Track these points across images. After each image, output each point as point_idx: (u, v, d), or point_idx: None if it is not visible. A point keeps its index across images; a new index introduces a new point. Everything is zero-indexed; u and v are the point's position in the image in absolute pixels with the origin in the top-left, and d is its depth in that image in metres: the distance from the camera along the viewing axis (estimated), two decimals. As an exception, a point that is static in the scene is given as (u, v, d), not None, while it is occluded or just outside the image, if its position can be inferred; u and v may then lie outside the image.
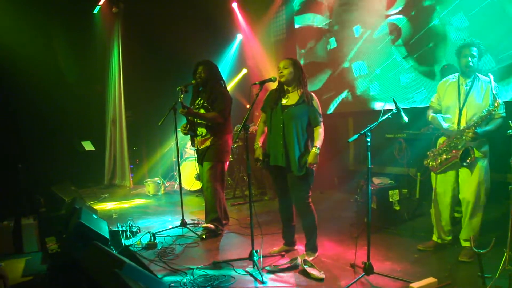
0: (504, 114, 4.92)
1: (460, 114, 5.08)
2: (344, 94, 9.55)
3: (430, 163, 5.33)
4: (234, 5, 11.68)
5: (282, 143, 5.10)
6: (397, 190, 6.42)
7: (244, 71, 11.87)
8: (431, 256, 5.33)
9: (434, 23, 7.62)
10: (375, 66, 8.82)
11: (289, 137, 5.07)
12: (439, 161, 5.23)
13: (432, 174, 5.47)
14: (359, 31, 9.13)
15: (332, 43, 9.81)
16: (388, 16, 8.46)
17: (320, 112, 5.18)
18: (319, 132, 5.08)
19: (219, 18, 11.63)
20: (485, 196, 5.09)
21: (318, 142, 5.02)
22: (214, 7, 11.31)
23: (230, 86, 11.55)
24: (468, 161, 4.92)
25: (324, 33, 10.00)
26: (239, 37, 12.16)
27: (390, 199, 6.37)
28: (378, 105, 8.62)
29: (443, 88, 5.37)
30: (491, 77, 4.92)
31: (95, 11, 11.80)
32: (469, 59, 5.00)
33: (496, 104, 4.78)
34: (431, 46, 7.65)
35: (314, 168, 5.06)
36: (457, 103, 5.14)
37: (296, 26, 10.76)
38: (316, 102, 5.16)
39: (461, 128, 5.01)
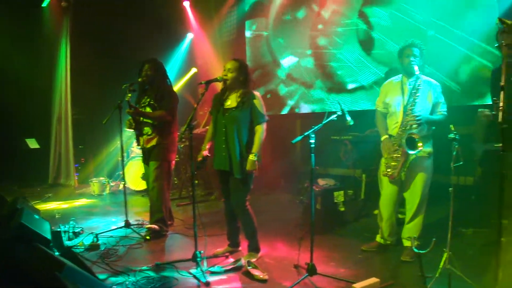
0: (445, 113, 5.09)
1: (404, 113, 5.15)
2: (294, 97, 9.61)
3: (390, 172, 5.28)
4: (186, 4, 11.58)
5: (225, 147, 5.08)
6: (342, 192, 6.48)
7: (194, 70, 11.79)
8: (375, 257, 5.40)
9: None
10: (334, 71, 8.89)
11: (231, 140, 5.05)
12: (399, 166, 5.22)
13: (379, 175, 5.54)
14: (307, 34, 9.20)
15: (281, 45, 9.84)
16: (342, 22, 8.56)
17: (263, 112, 5.14)
18: (259, 134, 5.05)
19: (170, 17, 11.53)
20: (427, 195, 5.24)
21: (256, 148, 5.00)
22: (165, 5, 11.21)
23: (179, 85, 11.52)
24: (418, 147, 4.91)
25: (276, 35, 10.02)
26: (190, 36, 12.08)
27: (335, 200, 6.42)
28: (327, 107, 8.71)
29: (386, 89, 5.47)
30: (433, 81, 5.12)
31: (44, 4, 11.45)
32: (411, 58, 5.11)
33: (441, 103, 5.04)
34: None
35: (254, 173, 5.06)
36: (401, 103, 5.23)
37: (247, 29, 10.77)
38: (258, 101, 5.12)
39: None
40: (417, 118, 4.93)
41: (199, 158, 5.28)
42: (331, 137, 7.01)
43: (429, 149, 5.15)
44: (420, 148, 4.90)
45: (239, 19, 11.12)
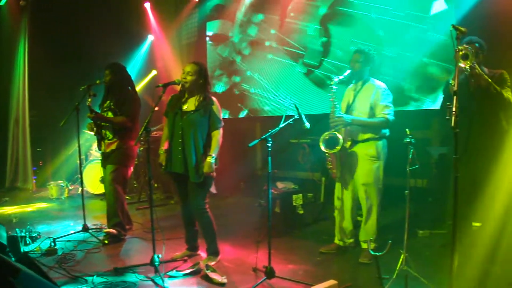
0: (388, 116, 5.17)
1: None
2: (252, 99, 9.63)
3: (332, 171, 5.47)
4: (147, 5, 11.48)
5: (181, 150, 5.06)
6: (301, 194, 6.52)
7: (154, 72, 11.71)
8: (333, 259, 5.44)
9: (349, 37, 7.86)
10: (289, 73, 8.95)
11: (187, 144, 5.03)
12: (334, 165, 5.41)
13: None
14: (267, 37, 9.23)
15: (242, 48, 9.85)
16: (296, 24, 8.61)
17: (220, 117, 5.17)
18: (217, 139, 5.07)
19: (130, 18, 11.42)
20: (378, 197, 5.32)
21: (214, 151, 5.02)
22: (126, 6, 11.09)
23: (138, 88, 11.29)
24: (336, 148, 5.14)
25: (235, 37, 10.03)
26: (150, 38, 11.98)
27: (294, 203, 6.46)
28: (285, 112, 8.74)
29: (345, 95, 5.61)
30: (383, 85, 5.29)
31: (2, 3, 11.19)
32: (355, 64, 5.31)
33: (380, 106, 5.15)
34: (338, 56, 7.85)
35: (212, 175, 5.06)
36: (346, 107, 5.43)
37: (208, 31, 10.75)
38: (216, 107, 5.14)
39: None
40: (337, 117, 5.17)
41: (163, 162, 5.27)
42: (290, 140, 7.05)
43: (373, 152, 5.25)
44: (337, 148, 5.13)
45: (200, 22, 11.10)
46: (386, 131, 5.32)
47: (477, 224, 5.03)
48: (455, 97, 3.38)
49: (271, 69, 9.31)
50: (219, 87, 10.27)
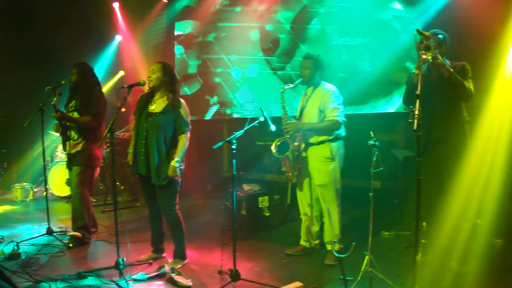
0: (338, 118, 5.25)
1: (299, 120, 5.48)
2: (218, 102, 9.62)
3: (288, 174, 5.61)
4: (115, 5, 11.27)
5: (144, 151, 5.02)
6: (267, 197, 6.54)
7: (121, 73, 11.57)
8: (299, 261, 5.47)
9: (310, 35, 7.90)
10: (249, 75, 8.96)
11: (151, 146, 4.99)
12: (288, 169, 5.55)
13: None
14: (234, 41, 9.25)
15: (209, 51, 9.84)
16: (263, 27, 8.64)
17: (188, 120, 5.13)
18: (183, 142, 5.03)
19: (98, 17, 11.25)
20: (337, 198, 5.39)
21: (179, 155, 4.97)
22: (94, 6, 10.93)
23: (105, 88, 11.15)
24: (287, 153, 5.34)
25: (201, 40, 10.00)
26: (118, 38, 11.83)
27: (260, 205, 6.47)
28: (251, 114, 8.76)
29: (300, 100, 5.75)
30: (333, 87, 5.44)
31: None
32: (305, 71, 5.44)
33: (329, 109, 5.26)
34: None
35: (177, 179, 5.01)
36: (300, 112, 5.57)
37: (177, 31, 10.68)
38: (184, 109, 5.10)
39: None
40: (288, 123, 5.35)
41: (130, 162, 5.23)
42: (256, 142, 7.06)
43: (327, 153, 5.33)
44: (287, 153, 5.35)
45: (168, 22, 11.00)
46: (341, 132, 5.40)
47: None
48: (418, 100, 3.42)
49: (240, 70, 9.31)
50: (188, 89, 10.22)
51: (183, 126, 5.04)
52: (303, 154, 5.51)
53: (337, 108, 5.28)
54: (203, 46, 9.95)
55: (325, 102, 5.30)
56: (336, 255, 4.18)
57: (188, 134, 5.08)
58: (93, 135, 6.14)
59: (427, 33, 4.03)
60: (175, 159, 4.91)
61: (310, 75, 5.42)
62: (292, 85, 5.50)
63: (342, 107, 5.34)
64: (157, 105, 5.09)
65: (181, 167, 5.02)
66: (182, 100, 5.16)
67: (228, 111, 9.42)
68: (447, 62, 4.74)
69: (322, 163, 5.34)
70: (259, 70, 8.88)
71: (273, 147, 5.38)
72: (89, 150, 6.13)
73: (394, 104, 7.13)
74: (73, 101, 6.25)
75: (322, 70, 5.52)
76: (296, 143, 5.49)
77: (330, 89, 5.39)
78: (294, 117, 5.62)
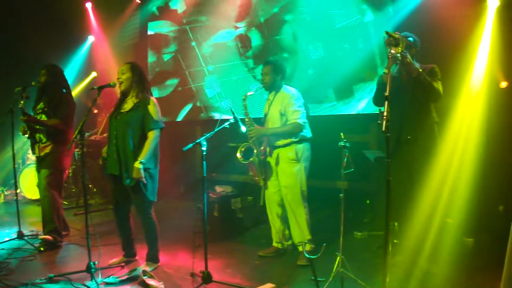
0: (299, 120, 5.29)
1: (263, 126, 5.56)
2: (192, 103, 9.62)
3: (254, 178, 5.67)
4: (88, 5, 11.17)
5: (115, 150, 4.97)
6: (239, 198, 6.55)
7: (94, 74, 11.45)
8: (272, 262, 5.48)
9: (282, 36, 7.94)
10: (224, 77, 8.98)
11: (120, 144, 4.94)
12: (255, 173, 5.64)
13: None
14: (210, 42, 9.24)
15: (183, 51, 9.82)
16: (237, 27, 8.65)
17: (157, 118, 5.01)
18: (150, 141, 4.91)
19: (70, 17, 11.11)
20: (303, 199, 5.42)
21: (144, 155, 4.84)
22: (66, 5, 10.79)
23: (77, 90, 11.06)
24: (253, 158, 5.42)
25: (176, 41, 9.98)
26: (91, 39, 11.68)
27: (233, 207, 6.48)
28: (225, 115, 8.77)
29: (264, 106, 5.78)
30: (293, 90, 5.51)
31: None
32: (265, 77, 5.52)
33: (290, 112, 5.31)
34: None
35: (142, 181, 4.88)
36: (263, 118, 5.65)
37: (150, 32, 10.65)
38: (153, 107, 5.01)
39: None
40: (251, 130, 5.39)
41: (101, 162, 5.18)
42: (228, 144, 7.06)
43: (292, 155, 5.37)
44: (251, 159, 5.42)
45: (142, 23, 10.96)
46: (306, 134, 5.45)
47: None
48: (386, 102, 3.44)
49: (213, 71, 9.32)
50: (161, 90, 10.19)
51: (149, 123, 4.94)
52: (268, 159, 5.57)
53: (298, 111, 5.32)
54: (178, 46, 9.94)
55: (286, 106, 5.35)
56: (307, 256, 4.20)
57: (157, 132, 4.98)
58: (61, 137, 6.06)
59: (396, 35, 4.07)
60: (139, 160, 4.80)
61: (270, 80, 5.49)
62: (252, 92, 5.63)
63: (302, 109, 5.40)
64: (127, 104, 5.05)
65: (149, 169, 4.94)
66: (152, 98, 5.10)
67: (203, 115, 9.44)
68: (417, 64, 4.78)
69: (287, 164, 5.39)
70: (237, 72, 8.90)
71: (238, 154, 5.42)
72: (58, 152, 6.06)
73: (361, 101, 7.19)
74: (41, 103, 6.16)
75: (283, 74, 5.58)
76: (262, 148, 5.55)
77: (290, 92, 5.45)
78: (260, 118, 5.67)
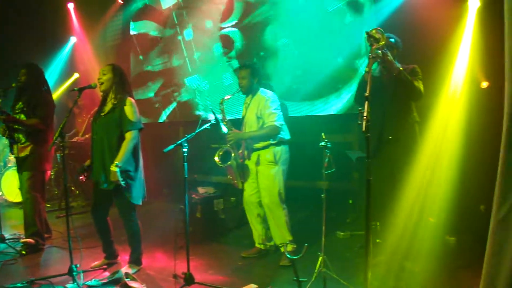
0: (276, 123, 5.32)
1: (242, 129, 5.60)
2: (174, 104, 9.61)
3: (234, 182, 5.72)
4: (70, 6, 11.04)
5: (96, 155, 4.95)
6: (222, 199, 6.55)
7: (76, 75, 11.36)
8: (255, 263, 5.48)
9: (264, 37, 7.96)
10: (208, 77, 9.00)
11: (100, 148, 4.92)
12: (233, 176, 5.70)
13: None
14: (194, 42, 9.23)
15: (166, 52, 9.80)
16: (222, 28, 8.67)
17: (133, 118, 4.92)
18: (126, 143, 4.84)
19: (52, 18, 11.02)
20: (281, 200, 5.42)
21: (121, 158, 4.75)
22: (48, 6, 10.70)
23: (59, 91, 10.96)
24: (229, 162, 5.44)
25: (159, 42, 9.95)
26: (73, 39, 11.57)
27: (215, 208, 6.48)
28: (209, 116, 8.76)
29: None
30: (269, 93, 5.53)
31: None
32: (242, 80, 5.54)
33: (266, 114, 5.34)
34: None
35: (120, 184, 4.79)
36: (241, 121, 5.67)
37: (132, 32, 10.60)
38: (129, 107, 4.93)
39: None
40: (229, 133, 5.42)
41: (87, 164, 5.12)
42: (211, 145, 7.04)
43: (270, 157, 5.40)
44: (229, 162, 5.45)
45: (124, 24, 10.91)
46: (284, 136, 5.47)
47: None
48: (366, 102, 3.44)
49: (195, 72, 9.32)
50: (144, 91, 10.16)
51: (126, 125, 4.87)
52: (246, 162, 5.60)
53: (274, 113, 5.35)
54: (161, 46, 9.92)
55: (262, 109, 5.38)
56: (288, 256, 4.21)
57: (134, 133, 4.90)
58: (41, 138, 6.00)
59: (376, 35, 4.07)
60: (115, 163, 4.72)
61: (247, 84, 5.50)
62: (230, 96, 5.61)
63: (279, 111, 5.42)
64: (107, 107, 5.02)
65: (129, 171, 4.89)
66: (129, 98, 5.02)
67: (186, 116, 9.43)
68: (399, 65, 4.81)
69: (265, 167, 5.41)
70: (221, 73, 8.90)
71: (216, 158, 5.42)
72: (38, 153, 5.99)
73: (343, 98, 7.23)
74: (20, 103, 6.09)
75: (259, 77, 5.61)
76: (240, 151, 5.59)
77: (266, 95, 5.47)
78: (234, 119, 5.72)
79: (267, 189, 5.39)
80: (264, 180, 5.41)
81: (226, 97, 5.58)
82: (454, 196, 5.53)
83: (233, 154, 5.41)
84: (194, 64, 9.32)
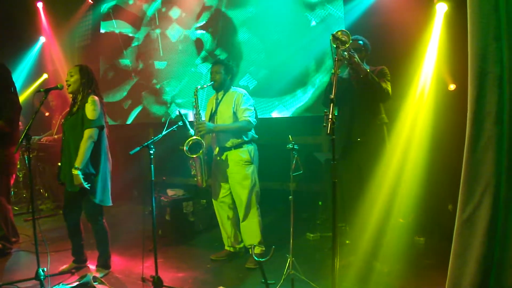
0: (250, 118, 5.32)
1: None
2: (143, 105, 9.56)
3: (197, 178, 5.63)
4: (39, 5, 10.85)
5: (64, 156, 4.90)
6: (191, 202, 6.51)
7: (45, 76, 11.22)
8: (224, 265, 5.47)
9: (234, 38, 7.99)
10: (180, 78, 8.95)
11: (66, 150, 4.86)
12: (198, 172, 5.57)
13: None
14: (164, 43, 9.21)
15: (136, 52, 9.75)
16: (196, 28, 8.68)
17: (92, 116, 4.77)
18: (83, 142, 4.70)
19: (21, 17, 10.87)
20: (256, 200, 5.44)
21: (80, 161, 4.64)
22: (17, 5, 10.53)
23: (28, 92, 10.80)
24: (199, 152, 5.28)
25: (130, 41, 9.90)
26: (42, 39, 11.39)
27: (184, 211, 6.44)
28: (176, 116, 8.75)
29: (207, 104, 5.83)
30: (243, 91, 5.56)
31: None
32: (216, 75, 5.51)
33: (241, 110, 5.35)
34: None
35: (83, 187, 4.70)
36: (210, 115, 5.62)
37: (102, 31, 10.52)
38: (89, 105, 4.79)
39: None
40: (200, 124, 5.27)
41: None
42: (180, 147, 7.02)
43: (246, 157, 5.38)
44: (200, 152, 5.27)
45: (94, 24, 10.82)
46: (255, 135, 5.51)
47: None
48: (331, 104, 3.45)
49: (165, 72, 9.29)
50: (115, 94, 10.09)
51: (84, 123, 4.76)
52: (218, 159, 5.56)
53: (249, 109, 5.36)
54: (131, 47, 9.87)
55: (238, 104, 5.37)
56: (256, 258, 4.20)
57: (92, 131, 4.75)
58: (7, 140, 5.85)
59: (343, 37, 4.08)
60: (74, 165, 4.63)
61: (221, 79, 5.48)
62: (205, 86, 5.61)
63: (253, 108, 5.44)
64: (75, 107, 4.95)
65: (92, 173, 4.81)
66: (92, 96, 4.88)
67: (156, 113, 9.38)
68: (368, 67, 4.83)
69: (241, 167, 5.35)
70: (191, 74, 8.90)
71: (184, 147, 5.29)
72: (3, 156, 5.84)
73: (308, 94, 7.29)
74: None
75: (232, 75, 5.62)
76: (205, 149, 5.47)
77: (242, 92, 5.49)
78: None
79: (245, 189, 5.34)
80: (241, 181, 5.35)
81: (204, 86, 5.59)
82: (423, 197, 5.60)
83: (203, 145, 5.26)
84: (165, 64, 9.27)
